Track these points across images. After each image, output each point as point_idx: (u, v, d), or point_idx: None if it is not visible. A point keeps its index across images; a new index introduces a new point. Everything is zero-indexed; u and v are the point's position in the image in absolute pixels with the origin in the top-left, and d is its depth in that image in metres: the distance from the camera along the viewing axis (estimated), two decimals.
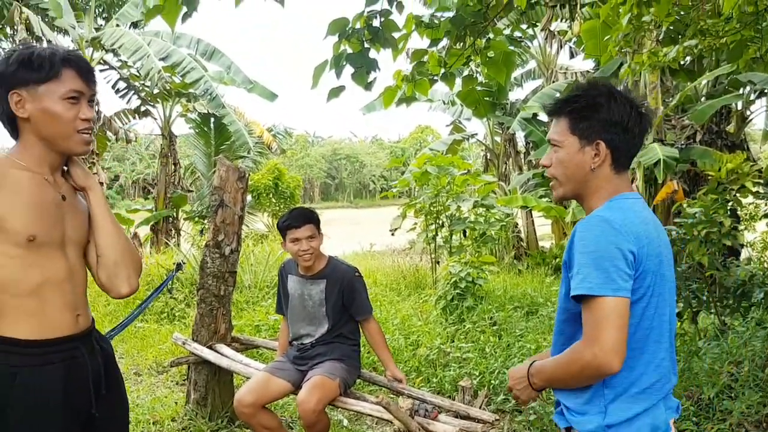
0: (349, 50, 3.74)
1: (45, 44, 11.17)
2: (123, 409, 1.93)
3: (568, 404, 1.62)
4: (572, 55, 12.54)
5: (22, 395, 1.61)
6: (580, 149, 1.64)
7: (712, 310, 4.73)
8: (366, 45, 3.73)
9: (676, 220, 5.04)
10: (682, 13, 4.44)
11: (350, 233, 18.57)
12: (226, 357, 3.94)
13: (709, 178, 5.28)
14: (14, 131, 1.73)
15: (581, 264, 1.50)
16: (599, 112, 1.63)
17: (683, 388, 3.84)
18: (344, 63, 3.75)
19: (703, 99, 8.82)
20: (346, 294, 3.38)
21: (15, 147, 1.72)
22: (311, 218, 3.38)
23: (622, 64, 8.15)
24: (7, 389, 1.60)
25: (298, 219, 3.34)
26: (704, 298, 4.65)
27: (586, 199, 1.68)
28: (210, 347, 4.07)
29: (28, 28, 10.79)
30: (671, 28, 4.70)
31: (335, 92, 3.89)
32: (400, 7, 3.69)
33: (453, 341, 5.52)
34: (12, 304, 1.63)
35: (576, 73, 12.35)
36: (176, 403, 4.47)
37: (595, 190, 1.66)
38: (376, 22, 3.66)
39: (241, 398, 3.24)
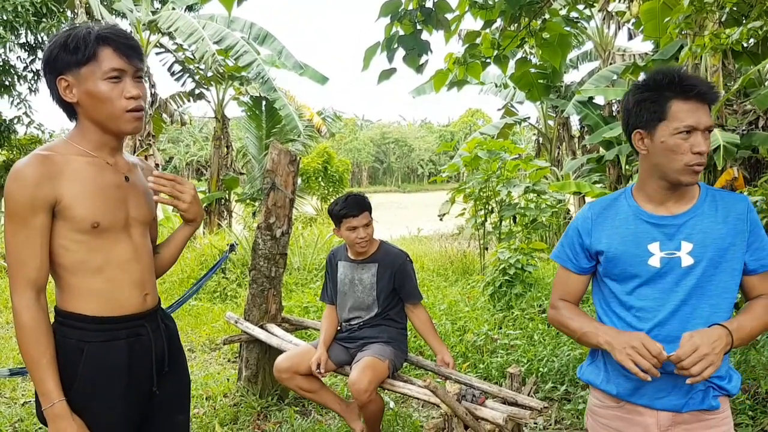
0: (401, 32, 3.71)
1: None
2: (184, 386, 1.96)
3: (720, 373, 1.72)
4: (630, 37, 12.15)
5: (89, 369, 1.67)
6: None
7: None
8: (418, 27, 3.69)
9: None
10: None
11: (398, 217, 18.61)
12: (276, 336, 4.01)
13: None
14: (70, 114, 1.73)
15: (765, 237, 1.73)
16: None
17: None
18: (396, 45, 3.71)
19: (767, 83, 8.43)
20: (397, 277, 3.39)
21: (73, 130, 1.74)
22: (367, 206, 3.39)
23: (682, 47, 7.85)
24: (76, 362, 1.66)
25: (355, 207, 3.33)
26: None
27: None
28: (261, 327, 4.16)
29: (88, 12, 11.10)
30: (735, 8, 4.50)
31: (386, 75, 3.87)
32: None
33: (501, 328, 5.48)
34: (80, 284, 1.68)
35: (634, 54, 11.97)
36: (228, 379, 4.59)
37: None
38: (429, 3, 3.61)
39: (277, 364, 3.44)
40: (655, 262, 1.72)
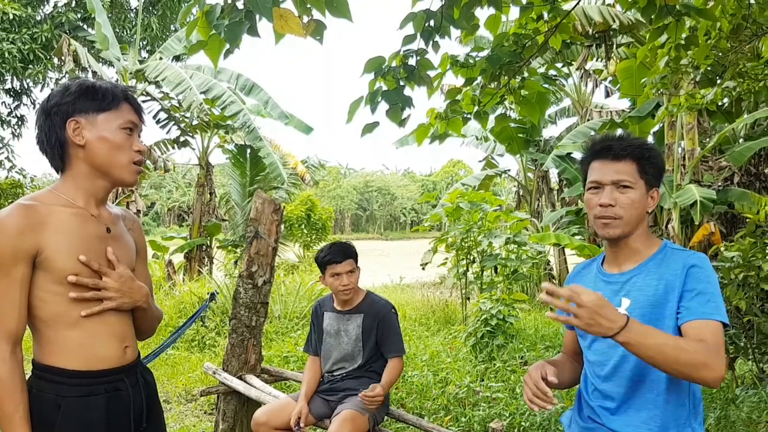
0: (385, 87, 3.80)
1: (90, 75, 11.59)
2: None
3: None
4: (608, 94, 12.50)
5: (66, 424, 1.63)
6: (646, 193, 1.78)
7: (750, 357, 4.60)
8: (401, 83, 3.79)
9: (713, 263, 4.94)
10: (720, 54, 4.42)
11: (380, 265, 18.57)
12: (255, 388, 3.96)
13: (747, 220, 5.18)
14: (61, 161, 1.72)
15: (713, 294, 1.67)
16: (659, 161, 1.80)
17: None
18: (379, 99, 3.80)
19: (741, 140, 8.70)
20: (380, 327, 3.37)
21: (61, 180, 1.73)
22: (351, 253, 3.40)
23: (658, 104, 8.10)
24: (53, 417, 1.63)
25: (339, 254, 3.34)
26: (742, 344, 4.52)
27: (635, 240, 1.80)
28: (240, 378, 4.10)
29: (76, 60, 11.22)
30: (709, 69, 4.68)
31: (369, 128, 3.94)
32: (436, 47, 3.75)
33: (483, 380, 5.44)
34: (58, 337, 1.66)
35: (611, 111, 12.30)
36: None
37: (644, 232, 1.81)
38: (412, 61, 3.71)
39: (255, 417, 3.37)
40: None
